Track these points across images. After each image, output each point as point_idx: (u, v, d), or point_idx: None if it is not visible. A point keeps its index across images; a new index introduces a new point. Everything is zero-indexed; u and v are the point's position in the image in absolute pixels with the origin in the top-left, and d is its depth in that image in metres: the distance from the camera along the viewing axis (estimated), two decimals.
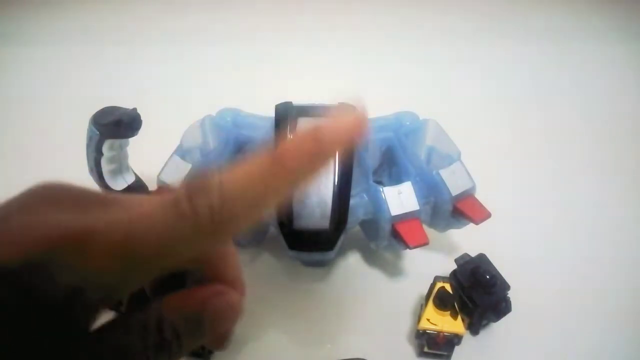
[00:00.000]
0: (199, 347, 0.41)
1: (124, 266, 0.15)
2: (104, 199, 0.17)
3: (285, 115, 0.44)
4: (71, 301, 0.14)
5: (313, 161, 0.16)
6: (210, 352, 0.42)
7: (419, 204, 0.43)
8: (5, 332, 0.14)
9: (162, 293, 0.17)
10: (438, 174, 0.44)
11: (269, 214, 0.17)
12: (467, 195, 0.45)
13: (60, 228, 0.14)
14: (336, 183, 0.41)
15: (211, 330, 0.17)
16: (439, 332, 0.40)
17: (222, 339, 0.20)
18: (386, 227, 0.43)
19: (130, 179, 0.50)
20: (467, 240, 0.50)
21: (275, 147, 0.16)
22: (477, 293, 0.41)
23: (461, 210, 0.44)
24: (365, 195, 0.44)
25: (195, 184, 0.15)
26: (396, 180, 0.46)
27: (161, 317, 0.16)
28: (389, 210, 0.42)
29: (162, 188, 0.45)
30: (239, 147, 0.48)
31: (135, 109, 0.46)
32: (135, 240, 0.14)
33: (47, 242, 0.14)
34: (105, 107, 0.46)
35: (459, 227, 0.47)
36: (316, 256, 0.46)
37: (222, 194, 0.15)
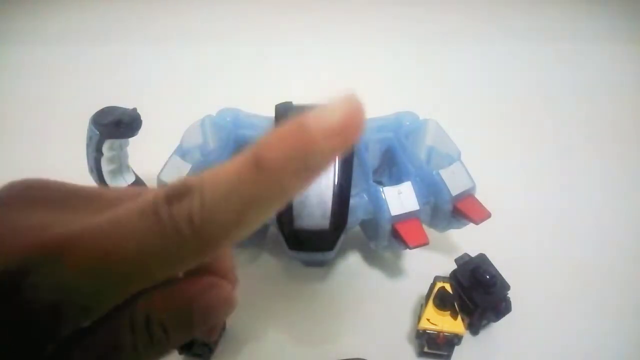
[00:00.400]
0: (197, 346, 0.41)
1: (101, 280, 0.13)
2: (83, 194, 0.16)
3: (285, 115, 0.44)
4: (48, 316, 0.13)
5: (299, 160, 0.13)
6: (211, 352, 0.42)
7: (419, 204, 0.43)
8: None
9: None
10: (438, 174, 0.44)
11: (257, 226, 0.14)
12: (467, 195, 0.45)
13: (38, 236, 0.13)
14: (336, 183, 0.41)
15: (202, 324, 0.17)
16: (439, 332, 0.39)
17: (213, 331, 0.19)
18: (386, 227, 0.43)
19: (130, 179, 0.50)
20: (467, 240, 0.50)
21: (255, 144, 0.13)
22: (477, 293, 0.41)
23: (461, 210, 0.44)
24: (365, 195, 0.44)
25: (174, 187, 0.13)
26: (396, 180, 0.46)
27: (149, 314, 0.16)
28: (389, 210, 0.42)
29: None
30: (239, 147, 0.48)
31: (135, 109, 0.46)
32: (112, 255, 0.13)
33: (24, 251, 0.13)
34: (105, 107, 0.46)
35: (459, 227, 0.47)
36: (316, 256, 0.47)
37: (203, 201, 0.13)
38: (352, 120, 0.13)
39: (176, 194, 0.13)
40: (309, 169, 0.13)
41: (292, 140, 0.13)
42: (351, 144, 0.13)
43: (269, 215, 0.14)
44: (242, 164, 0.13)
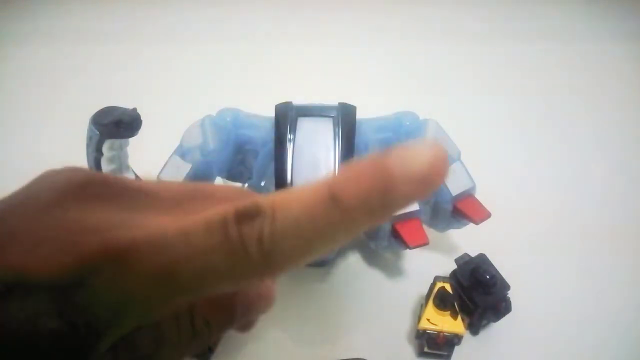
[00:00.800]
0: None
1: (162, 290, 0.13)
2: (144, 191, 0.16)
3: (285, 115, 0.44)
4: (106, 319, 0.13)
5: (378, 201, 0.12)
6: (211, 352, 0.42)
7: (419, 204, 0.43)
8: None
9: None
10: None
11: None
12: (467, 195, 0.45)
13: (102, 238, 0.13)
14: None
15: (242, 318, 0.17)
16: (439, 332, 0.40)
17: (249, 324, 0.19)
18: (386, 227, 0.43)
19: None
20: (467, 240, 0.50)
21: (333, 175, 0.13)
22: (477, 293, 0.41)
23: (461, 210, 0.44)
24: None
25: (245, 207, 0.13)
26: None
27: (193, 309, 0.16)
28: None
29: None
30: (239, 147, 0.48)
31: (135, 109, 0.46)
32: (177, 266, 0.13)
33: (87, 252, 0.13)
34: (105, 107, 0.46)
35: (459, 227, 0.47)
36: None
37: (274, 225, 0.13)
38: (435, 169, 0.12)
39: (247, 214, 0.13)
40: (385, 212, 0.13)
41: (372, 182, 0.12)
42: (431, 192, 0.13)
43: (335, 248, 0.14)
44: (316, 195, 0.13)
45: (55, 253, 0.13)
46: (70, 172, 0.15)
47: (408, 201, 0.13)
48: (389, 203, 0.12)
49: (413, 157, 0.12)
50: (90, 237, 0.13)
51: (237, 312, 0.17)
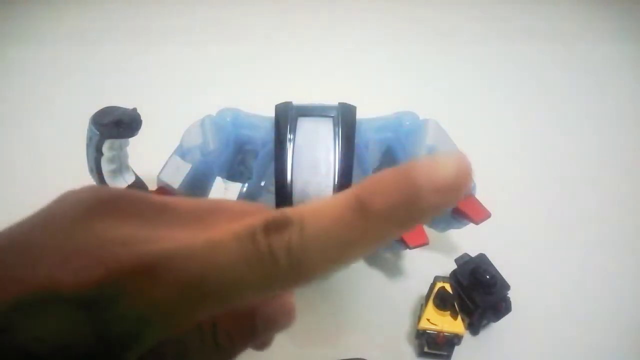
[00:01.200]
0: None
1: (191, 303, 0.13)
2: (171, 207, 0.16)
3: (285, 115, 0.44)
4: (133, 331, 0.13)
5: (405, 211, 0.13)
6: None
7: None
8: None
9: None
10: None
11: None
12: (467, 195, 0.45)
13: (130, 252, 0.13)
14: (336, 183, 0.41)
15: (263, 334, 0.17)
16: (439, 332, 0.39)
17: (267, 342, 0.19)
18: None
19: (130, 179, 0.50)
20: (467, 240, 0.50)
21: (361, 185, 0.13)
22: (477, 293, 0.41)
23: (461, 210, 0.44)
24: None
25: (274, 218, 0.13)
26: None
27: (216, 323, 0.16)
28: None
29: (163, 189, 0.45)
30: (239, 147, 0.48)
31: (135, 109, 0.46)
32: (206, 278, 0.13)
33: (116, 265, 0.13)
34: (105, 107, 0.46)
35: (459, 227, 0.47)
36: None
37: (303, 235, 0.13)
38: (461, 180, 0.13)
39: (276, 225, 0.13)
40: (412, 222, 0.13)
41: (400, 192, 0.13)
42: (457, 202, 0.13)
43: (362, 257, 0.14)
44: (344, 205, 0.13)
45: (85, 267, 0.13)
46: (94, 190, 0.16)
47: (435, 211, 0.13)
48: (416, 213, 0.13)
49: (439, 167, 0.13)
50: (119, 250, 0.13)
51: (259, 328, 0.17)
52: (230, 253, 0.13)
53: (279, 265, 0.13)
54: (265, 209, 0.18)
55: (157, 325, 0.13)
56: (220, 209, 0.17)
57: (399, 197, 0.13)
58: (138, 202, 0.16)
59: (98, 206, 0.15)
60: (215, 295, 0.13)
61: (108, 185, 0.13)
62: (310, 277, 0.13)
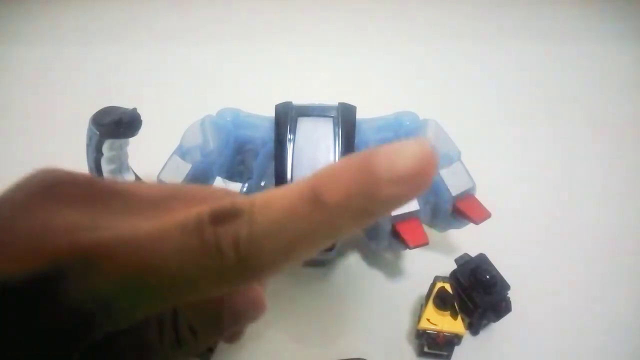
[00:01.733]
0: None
1: (135, 293, 0.12)
2: (116, 192, 0.15)
3: (285, 115, 0.44)
4: (77, 323, 0.12)
5: (362, 203, 0.12)
6: (211, 352, 0.42)
7: (419, 204, 0.43)
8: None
9: None
10: (438, 174, 0.44)
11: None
12: (467, 195, 0.45)
13: (72, 238, 0.13)
14: None
15: (231, 327, 0.16)
16: (439, 332, 0.39)
17: (237, 334, 0.18)
18: (386, 227, 0.43)
19: (130, 179, 0.50)
20: (467, 240, 0.50)
21: (317, 174, 0.12)
22: (477, 293, 0.41)
23: (461, 210, 0.44)
24: None
25: (222, 207, 0.13)
26: None
27: (177, 316, 0.15)
28: None
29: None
30: (239, 147, 0.48)
31: (135, 109, 0.46)
32: (149, 269, 0.12)
33: (57, 253, 0.12)
34: (105, 107, 0.46)
35: (459, 227, 0.47)
36: (316, 256, 0.46)
37: (252, 227, 0.12)
38: (423, 169, 0.12)
39: (223, 215, 0.12)
40: (369, 214, 0.12)
41: (357, 181, 0.12)
42: (419, 194, 0.12)
43: (316, 252, 0.13)
44: (298, 195, 0.12)
45: (23, 254, 0.12)
46: (43, 174, 0.15)
47: (394, 203, 0.12)
48: (374, 205, 0.12)
49: (399, 156, 0.12)
50: (58, 238, 0.13)
51: (225, 321, 0.16)
52: (174, 244, 0.12)
53: (226, 259, 0.12)
54: (231, 195, 0.17)
55: (100, 318, 0.13)
56: (183, 195, 0.16)
57: (356, 187, 0.12)
58: (87, 187, 0.15)
59: (42, 191, 0.14)
60: (160, 289, 0.12)
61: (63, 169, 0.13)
62: (261, 272, 0.13)
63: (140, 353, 0.15)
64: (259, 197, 0.13)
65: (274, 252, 0.12)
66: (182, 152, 0.46)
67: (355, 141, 0.43)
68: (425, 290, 0.44)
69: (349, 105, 0.45)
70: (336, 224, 0.12)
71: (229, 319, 0.16)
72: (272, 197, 0.12)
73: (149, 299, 0.13)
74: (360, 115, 0.44)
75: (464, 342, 0.41)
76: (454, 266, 0.44)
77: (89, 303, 0.12)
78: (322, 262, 0.50)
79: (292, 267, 0.13)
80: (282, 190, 0.12)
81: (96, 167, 0.47)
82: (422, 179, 0.12)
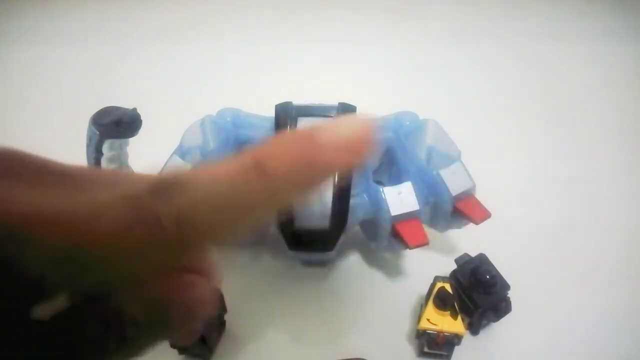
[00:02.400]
0: (197, 346, 0.41)
1: (71, 265, 0.12)
2: (58, 171, 0.15)
3: (285, 115, 0.44)
4: (30, 291, 0.12)
5: (303, 170, 0.12)
6: (211, 352, 0.42)
7: (419, 204, 0.43)
8: None
9: None
10: (438, 174, 0.44)
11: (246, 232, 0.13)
12: (467, 195, 0.45)
13: (11, 207, 0.12)
14: (336, 183, 0.41)
15: (178, 326, 0.15)
16: (439, 332, 0.39)
17: (189, 335, 0.18)
18: (386, 227, 0.43)
19: None
20: (467, 240, 0.50)
21: (259, 146, 0.13)
22: (477, 293, 0.41)
23: (461, 210, 0.44)
24: (365, 196, 0.44)
25: (164, 179, 0.13)
26: (396, 180, 0.46)
27: (120, 308, 0.14)
28: (389, 210, 0.42)
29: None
30: (239, 147, 0.48)
31: (135, 109, 0.46)
32: (86, 239, 0.12)
33: None
34: (105, 107, 0.46)
35: (459, 227, 0.47)
36: (316, 256, 0.46)
37: (193, 197, 0.12)
38: (361, 139, 0.13)
39: (165, 187, 0.12)
40: (310, 182, 0.13)
41: (298, 150, 0.12)
42: (356, 162, 0.13)
43: (259, 221, 0.13)
44: (241, 166, 0.12)
45: None
46: None
47: (332, 169, 0.13)
48: (314, 172, 0.13)
49: (339, 127, 0.13)
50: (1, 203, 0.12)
51: (173, 317, 0.15)
52: (113, 215, 0.12)
53: (166, 232, 0.12)
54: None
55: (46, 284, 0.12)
56: (138, 178, 0.16)
57: (297, 154, 0.12)
58: (19, 161, 0.14)
59: None
60: (98, 259, 0.12)
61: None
62: (201, 242, 0.13)
63: (77, 344, 0.14)
64: (201, 170, 0.13)
65: (215, 222, 0.12)
66: (182, 152, 0.46)
67: None
68: (425, 290, 0.44)
69: (349, 105, 0.45)
70: (276, 191, 0.12)
71: (177, 317, 0.15)
72: (214, 169, 0.13)
73: (85, 271, 0.12)
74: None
75: (464, 342, 0.41)
76: (454, 266, 0.44)
77: (32, 269, 0.12)
78: (322, 262, 0.50)
79: (235, 239, 0.13)
80: (225, 162, 0.13)
81: (96, 167, 0.47)
82: (359, 148, 0.13)
